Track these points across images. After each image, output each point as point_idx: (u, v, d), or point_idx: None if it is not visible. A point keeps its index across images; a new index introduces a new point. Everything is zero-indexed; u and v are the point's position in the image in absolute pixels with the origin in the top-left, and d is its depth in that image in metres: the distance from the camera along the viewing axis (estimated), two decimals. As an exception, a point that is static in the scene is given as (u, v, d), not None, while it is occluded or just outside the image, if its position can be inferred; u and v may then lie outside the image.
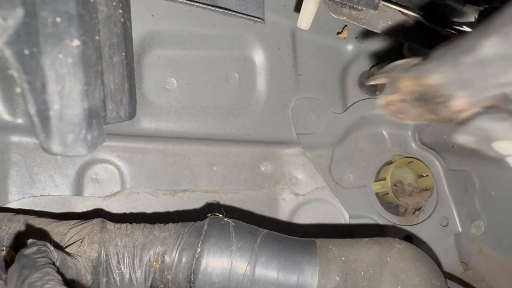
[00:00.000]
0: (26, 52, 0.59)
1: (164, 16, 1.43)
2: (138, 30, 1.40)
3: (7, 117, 1.33)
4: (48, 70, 0.61)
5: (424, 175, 1.70)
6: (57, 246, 1.06)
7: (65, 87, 0.62)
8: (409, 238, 1.65)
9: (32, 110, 0.61)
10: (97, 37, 0.69)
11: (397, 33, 1.25)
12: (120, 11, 0.79)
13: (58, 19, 0.61)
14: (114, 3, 0.77)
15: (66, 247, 1.08)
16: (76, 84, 0.64)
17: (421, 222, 1.67)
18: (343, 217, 1.64)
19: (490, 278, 1.53)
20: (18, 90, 0.61)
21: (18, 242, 1.09)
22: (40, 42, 0.60)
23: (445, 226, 1.68)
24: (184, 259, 1.11)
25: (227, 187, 1.56)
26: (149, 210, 1.47)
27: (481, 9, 1.12)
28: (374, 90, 1.69)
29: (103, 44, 0.75)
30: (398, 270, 1.13)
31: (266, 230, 1.21)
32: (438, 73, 0.77)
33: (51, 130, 0.63)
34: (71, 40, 0.62)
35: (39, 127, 0.62)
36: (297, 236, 1.25)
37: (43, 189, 1.38)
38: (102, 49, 0.74)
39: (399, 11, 1.24)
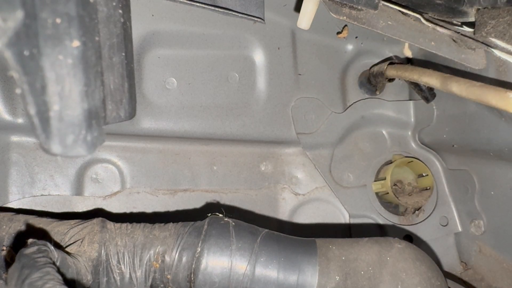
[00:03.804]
0: (26, 53, 0.59)
1: (164, 16, 1.43)
2: (138, 30, 1.40)
3: (7, 117, 1.33)
4: (48, 71, 0.61)
5: (424, 174, 1.71)
6: (57, 246, 1.05)
7: (65, 88, 0.62)
8: (409, 237, 1.65)
9: (32, 111, 0.61)
10: (97, 38, 0.69)
11: (397, 33, 1.25)
12: (120, 11, 0.79)
13: (58, 20, 0.60)
14: (114, 3, 0.77)
15: (66, 246, 1.08)
16: (75, 85, 0.63)
17: (421, 221, 1.67)
18: (343, 217, 1.64)
19: (490, 278, 1.53)
20: (18, 91, 0.60)
21: (19, 242, 1.10)
22: (40, 43, 0.59)
23: (445, 225, 1.68)
24: (184, 259, 1.11)
25: (227, 186, 1.56)
26: (149, 209, 1.48)
27: (481, 8, 1.12)
28: (374, 90, 1.69)
29: (103, 45, 0.75)
30: (398, 270, 1.13)
31: (266, 230, 1.21)
32: None
33: (51, 131, 0.63)
34: (71, 41, 0.62)
35: (39, 128, 0.62)
36: (297, 236, 1.25)
37: (43, 188, 1.38)
38: (102, 50, 0.73)
39: (399, 11, 1.24)
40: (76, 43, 0.63)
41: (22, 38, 0.58)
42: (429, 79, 1.25)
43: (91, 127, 0.67)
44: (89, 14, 0.66)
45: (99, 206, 1.44)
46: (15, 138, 1.36)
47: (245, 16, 1.39)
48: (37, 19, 0.59)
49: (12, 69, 0.59)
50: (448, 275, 1.58)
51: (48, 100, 0.61)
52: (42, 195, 1.38)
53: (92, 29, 0.67)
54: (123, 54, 0.81)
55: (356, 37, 1.66)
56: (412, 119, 1.73)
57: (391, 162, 1.69)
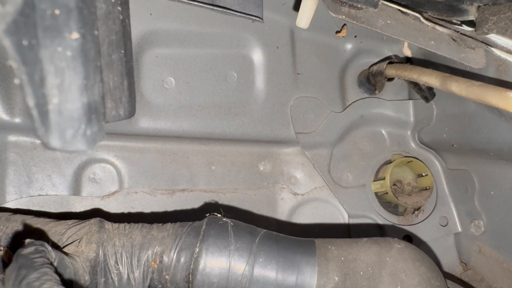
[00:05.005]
0: (25, 43, 0.59)
1: (162, 14, 1.43)
2: (136, 29, 1.40)
3: (4, 116, 1.32)
4: (47, 63, 0.60)
5: (423, 174, 1.70)
6: (55, 246, 1.06)
7: (64, 80, 0.62)
8: (409, 238, 1.65)
9: (31, 103, 0.61)
10: (96, 32, 0.69)
11: (396, 32, 1.24)
12: (119, 8, 0.79)
13: (57, 12, 0.60)
14: (113, 0, 0.77)
15: (64, 247, 1.08)
16: (75, 78, 0.63)
17: (421, 221, 1.67)
18: (342, 217, 1.63)
19: (490, 278, 1.52)
20: (16, 81, 0.60)
21: (16, 242, 1.09)
22: (38, 34, 0.59)
23: (445, 225, 1.68)
24: (182, 259, 1.11)
25: (226, 186, 1.55)
26: (147, 209, 1.47)
27: (482, 5, 1.12)
28: (373, 89, 1.68)
29: (102, 41, 0.74)
30: (398, 270, 1.12)
31: (265, 230, 1.21)
32: None
33: (50, 124, 0.62)
34: (70, 33, 0.62)
35: (38, 121, 0.62)
36: (296, 236, 1.25)
37: (41, 188, 1.38)
38: (101, 46, 0.73)
39: (398, 10, 1.23)
40: (75, 35, 0.62)
41: (21, 28, 0.58)
42: (429, 78, 1.25)
43: (91, 122, 0.66)
44: (88, 7, 0.66)
45: (97, 206, 1.43)
46: (12, 138, 1.36)
47: (244, 15, 1.39)
48: (36, 10, 0.59)
49: (11, 58, 0.59)
50: (447, 276, 1.57)
51: (47, 92, 0.61)
52: (39, 195, 1.37)
53: (91, 22, 0.67)
54: (122, 51, 0.81)
55: (355, 36, 1.65)
56: (412, 119, 1.72)
57: (391, 162, 1.69)
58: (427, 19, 1.23)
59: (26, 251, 0.88)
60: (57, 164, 1.40)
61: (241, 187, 1.58)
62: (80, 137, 0.65)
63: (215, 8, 1.34)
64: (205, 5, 1.34)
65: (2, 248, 1.07)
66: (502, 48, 1.15)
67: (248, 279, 1.11)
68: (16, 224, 1.13)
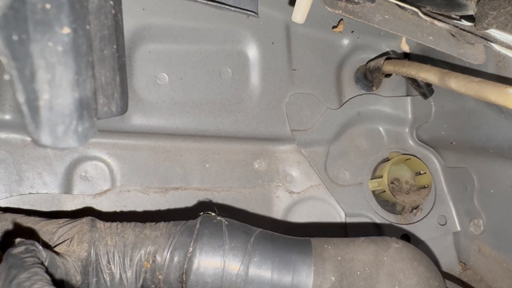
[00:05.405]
0: (15, 38, 0.58)
1: (155, 9, 1.42)
2: (128, 24, 1.39)
3: (-6, 113, 1.31)
4: (37, 58, 0.60)
5: (421, 172, 1.70)
6: (46, 246, 1.05)
7: (55, 76, 0.62)
8: (407, 237, 1.64)
9: (21, 99, 0.61)
10: (87, 27, 0.68)
11: (394, 27, 1.23)
12: (111, 2, 0.79)
13: (48, 6, 0.60)
14: (105, -6, 0.76)
15: (55, 246, 1.07)
16: (66, 73, 0.63)
17: (419, 220, 1.66)
18: (339, 216, 1.62)
19: (489, 278, 1.52)
20: (6, 77, 0.60)
21: (6, 241, 1.09)
22: (29, 28, 0.59)
23: (443, 224, 1.67)
24: (176, 259, 1.10)
25: (220, 184, 1.54)
26: (140, 208, 1.46)
27: (481, 0, 1.10)
28: (371, 86, 1.68)
29: (94, 36, 0.74)
30: (395, 270, 1.12)
31: (260, 229, 1.20)
32: None
33: (41, 121, 0.62)
34: (61, 27, 0.61)
35: (28, 117, 0.62)
36: (292, 235, 1.24)
37: (31, 187, 1.36)
38: (92, 41, 0.73)
39: (396, 4, 1.22)
40: (66, 30, 0.62)
41: (11, 22, 0.58)
42: (427, 74, 1.24)
43: (82, 118, 0.66)
44: (80, 1, 0.65)
45: (89, 205, 1.42)
46: (2, 135, 1.35)
47: (238, 10, 1.38)
48: (26, 4, 0.58)
49: (1, 54, 0.58)
50: (446, 276, 1.57)
51: (37, 88, 0.61)
52: (30, 193, 1.36)
53: (83, 17, 0.67)
54: (115, 46, 0.81)
55: (352, 32, 1.65)
56: (410, 116, 1.72)
57: (388, 160, 1.68)
58: (425, 13, 1.22)
59: (16, 250, 0.88)
60: (48, 162, 1.38)
61: (236, 185, 1.57)
62: (71, 133, 0.65)
63: (209, 2, 1.33)
64: (199, 0, 1.32)
65: (-9, 248, 1.06)
66: (502, 44, 1.14)
67: (243, 279, 1.10)
68: (6, 223, 1.12)
